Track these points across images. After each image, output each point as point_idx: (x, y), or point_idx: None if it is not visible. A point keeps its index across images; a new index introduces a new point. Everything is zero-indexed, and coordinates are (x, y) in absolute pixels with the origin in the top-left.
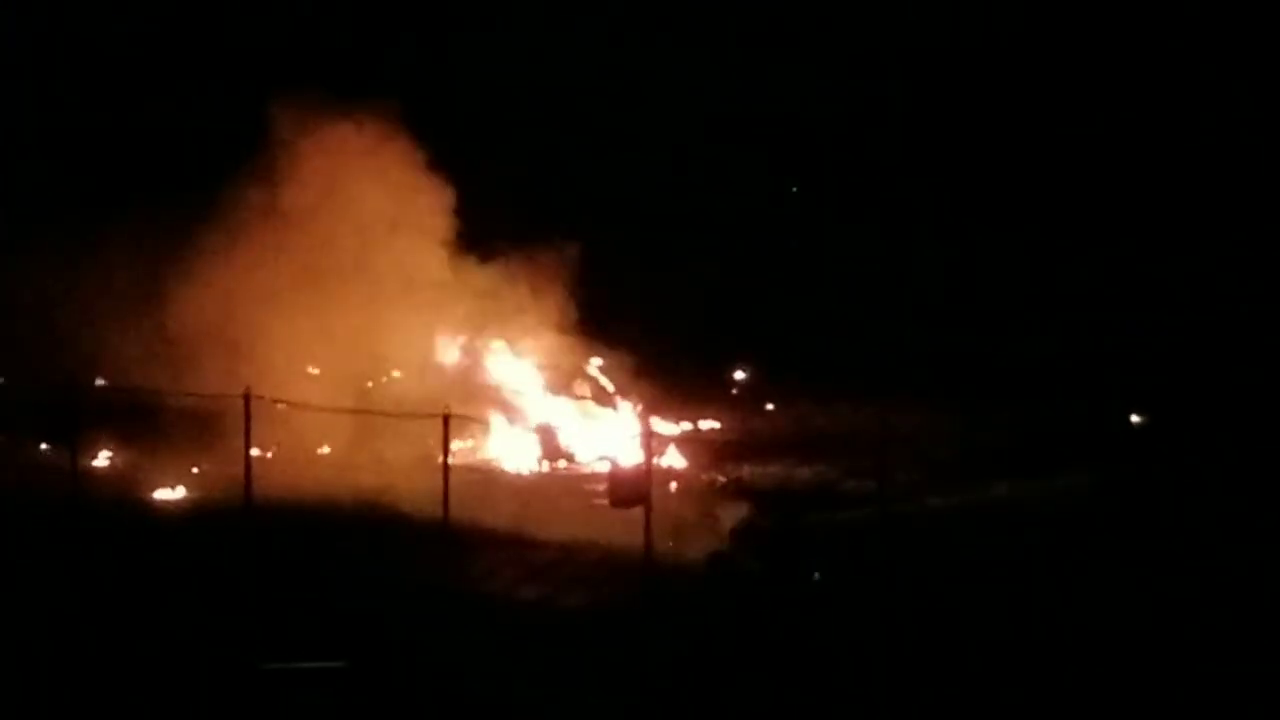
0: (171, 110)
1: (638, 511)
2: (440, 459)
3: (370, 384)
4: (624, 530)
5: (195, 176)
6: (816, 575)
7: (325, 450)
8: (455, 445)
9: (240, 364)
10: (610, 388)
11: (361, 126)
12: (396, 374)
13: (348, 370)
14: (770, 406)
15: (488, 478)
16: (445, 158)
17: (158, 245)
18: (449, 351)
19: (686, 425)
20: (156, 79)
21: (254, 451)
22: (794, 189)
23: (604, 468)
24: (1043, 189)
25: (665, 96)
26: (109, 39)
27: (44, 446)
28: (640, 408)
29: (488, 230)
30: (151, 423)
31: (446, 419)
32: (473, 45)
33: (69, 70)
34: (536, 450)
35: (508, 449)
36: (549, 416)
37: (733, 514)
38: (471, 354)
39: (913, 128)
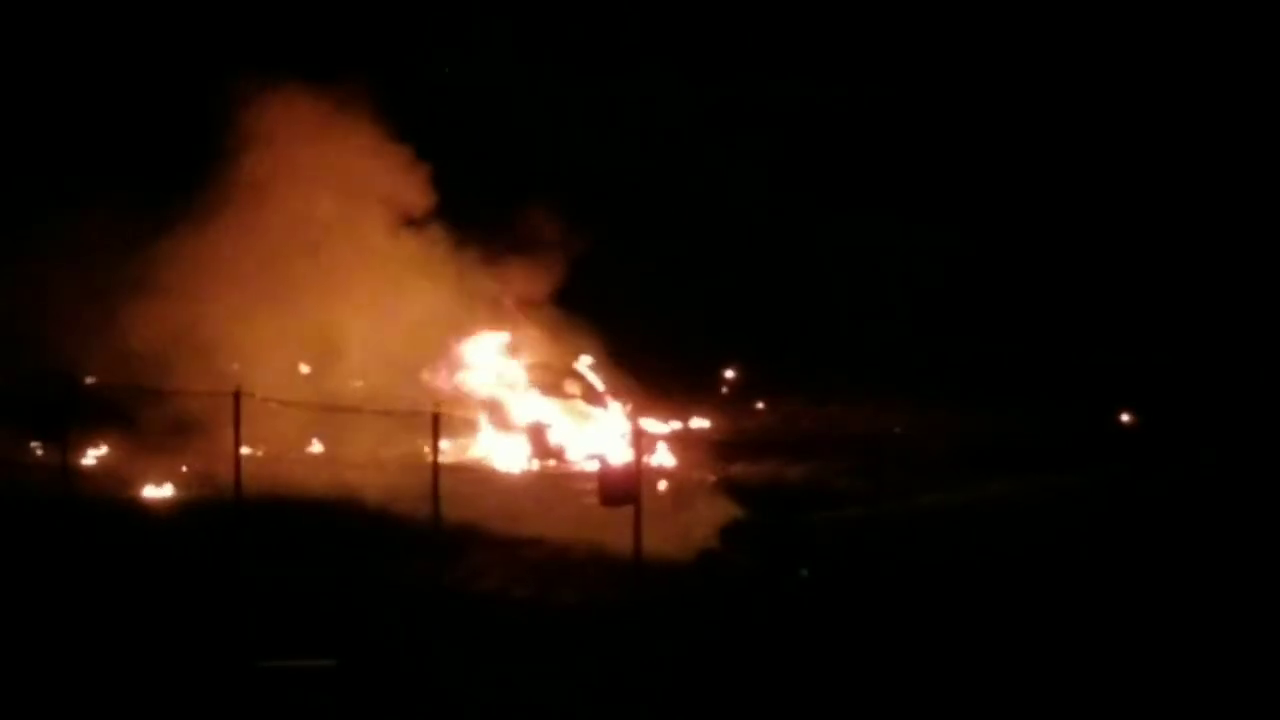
0: (144, 99)
1: (628, 510)
2: (430, 457)
3: (360, 383)
4: (614, 529)
5: (171, 168)
6: (805, 572)
7: (315, 449)
8: (444, 444)
9: (228, 361)
10: (600, 386)
11: (341, 117)
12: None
13: (334, 367)
14: (761, 405)
15: (478, 476)
16: (430, 150)
17: (137, 240)
18: (437, 348)
19: (677, 424)
20: (129, 68)
21: (243, 450)
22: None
23: (594, 466)
24: (1039, 186)
25: (658, 88)
26: (80, 30)
27: (34, 444)
28: (630, 406)
29: (475, 225)
30: (141, 420)
31: (436, 417)
32: (464, 35)
33: (43, 64)
34: (526, 449)
35: (497, 448)
36: (538, 415)
37: (723, 513)
38: (459, 351)
39: (908, 123)
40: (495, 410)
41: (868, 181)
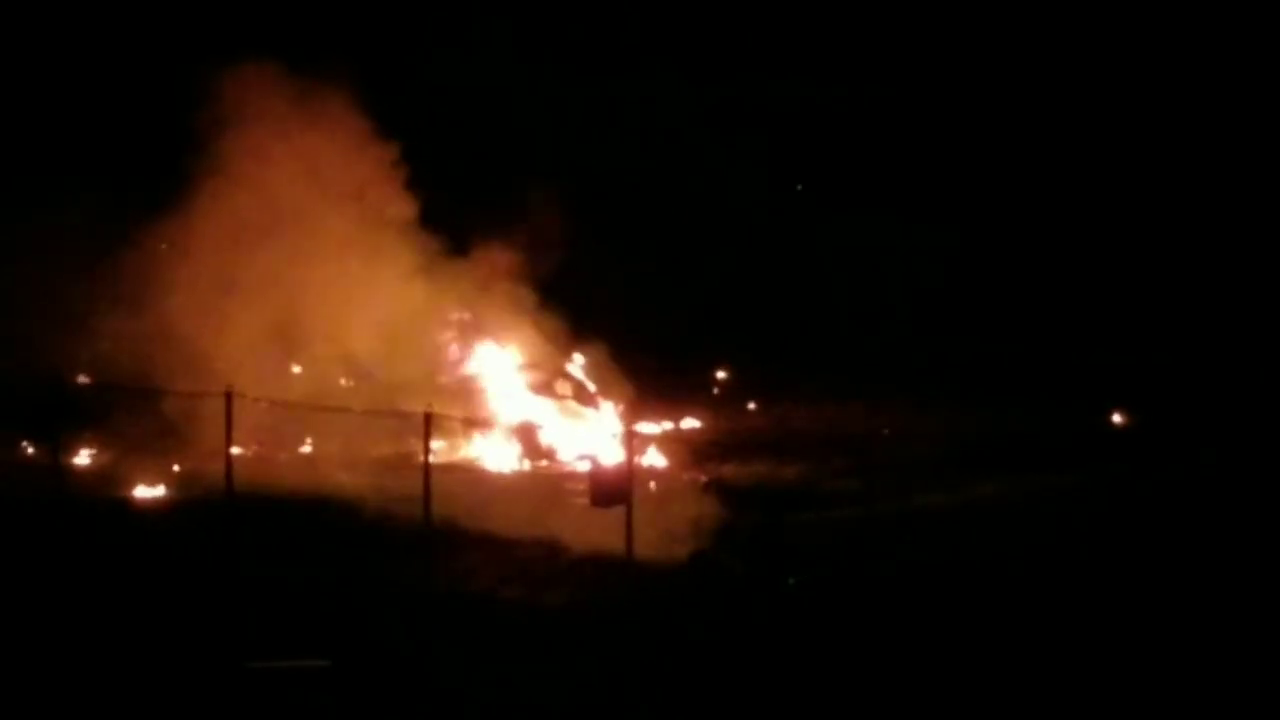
0: (131, 98)
1: (619, 511)
2: (421, 457)
3: (350, 382)
4: (606, 530)
5: (157, 166)
6: (792, 580)
7: (307, 448)
8: (436, 444)
9: (217, 360)
10: (591, 386)
11: (332, 116)
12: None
13: (325, 366)
14: (752, 406)
15: (469, 477)
16: (426, 148)
17: (124, 239)
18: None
19: (668, 424)
20: (116, 66)
21: (235, 450)
22: (798, 187)
23: (585, 467)
24: (1038, 186)
25: (657, 88)
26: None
27: (26, 445)
28: (621, 407)
29: (466, 221)
30: (132, 420)
31: (428, 418)
32: (463, 34)
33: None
34: (517, 449)
35: (489, 448)
36: (530, 415)
37: (714, 514)
38: (451, 350)
39: (907, 123)
40: (489, 408)
41: (866, 181)
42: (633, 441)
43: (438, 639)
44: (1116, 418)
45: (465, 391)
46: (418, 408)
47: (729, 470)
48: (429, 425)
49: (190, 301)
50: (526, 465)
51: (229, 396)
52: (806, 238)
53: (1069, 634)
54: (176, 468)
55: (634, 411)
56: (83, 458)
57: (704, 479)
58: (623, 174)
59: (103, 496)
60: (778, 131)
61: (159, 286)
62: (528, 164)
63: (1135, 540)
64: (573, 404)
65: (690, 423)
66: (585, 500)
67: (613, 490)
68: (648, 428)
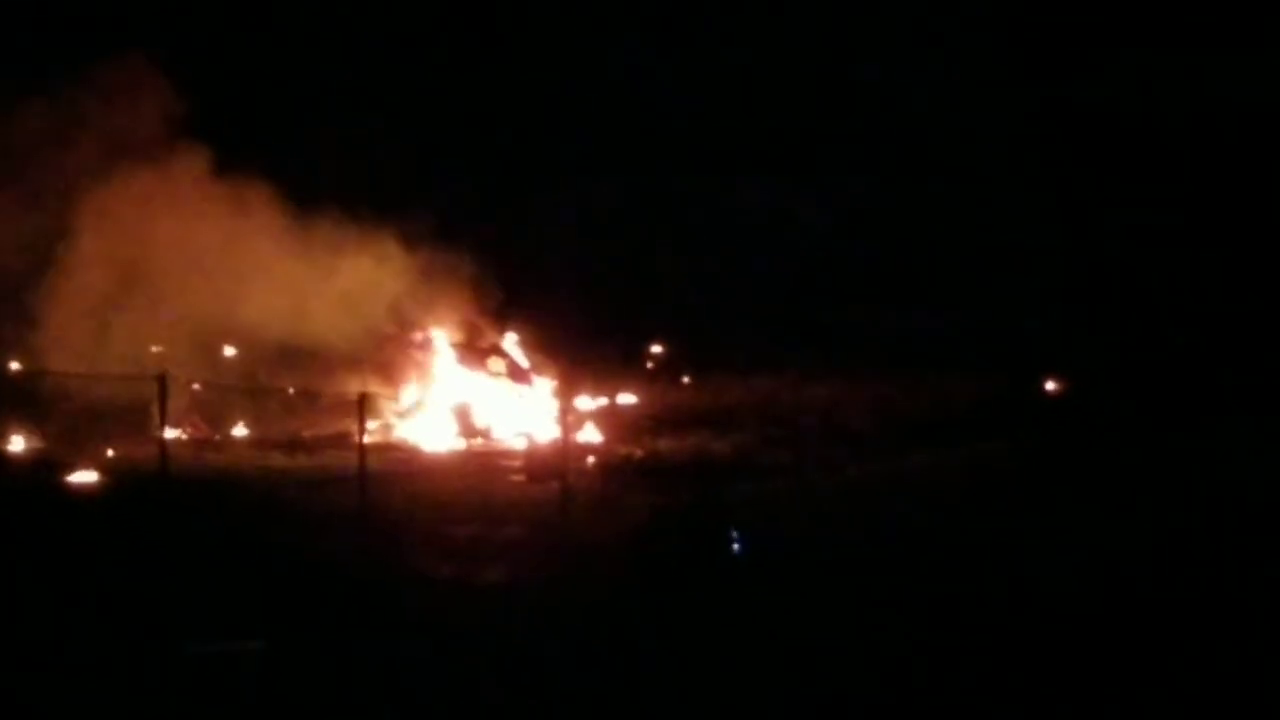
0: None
1: (555, 487)
2: (356, 437)
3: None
4: (542, 506)
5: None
6: (736, 548)
7: (241, 431)
8: (370, 424)
9: (152, 342)
10: (525, 363)
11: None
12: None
13: (259, 346)
14: (686, 380)
15: (404, 456)
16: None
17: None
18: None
19: (603, 400)
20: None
21: (169, 433)
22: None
23: (521, 444)
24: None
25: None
26: None
27: None
28: (556, 383)
29: (402, 198)
30: (66, 406)
31: (362, 397)
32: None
33: None
34: (453, 427)
35: (424, 427)
36: (464, 393)
37: (650, 488)
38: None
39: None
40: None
41: (791, 148)
42: (568, 418)
43: (373, 618)
44: (1050, 385)
45: (400, 370)
46: (353, 387)
47: (665, 444)
48: (364, 406)
49: (118, 286)
50: (462, 444)
51: (162, 380)
52: (739, 210)
53: (1005, 595)
54: (111, 452)
55: (569, 387)
56: (16, 444)
57: (640, 454)
58: (559, 150)
59: (36, 482)
60: (704, 102)
61: (85, 272)
62: (461, 142)
63: (1064, 502)
64: (507, 381)
65: (626, 398)
66: (521, 477)
67: (548, 466)
68: (583, 403)
